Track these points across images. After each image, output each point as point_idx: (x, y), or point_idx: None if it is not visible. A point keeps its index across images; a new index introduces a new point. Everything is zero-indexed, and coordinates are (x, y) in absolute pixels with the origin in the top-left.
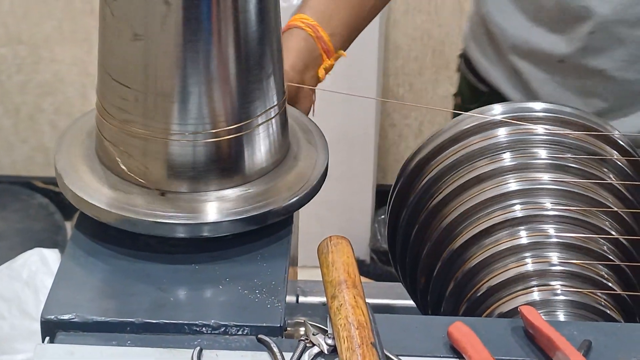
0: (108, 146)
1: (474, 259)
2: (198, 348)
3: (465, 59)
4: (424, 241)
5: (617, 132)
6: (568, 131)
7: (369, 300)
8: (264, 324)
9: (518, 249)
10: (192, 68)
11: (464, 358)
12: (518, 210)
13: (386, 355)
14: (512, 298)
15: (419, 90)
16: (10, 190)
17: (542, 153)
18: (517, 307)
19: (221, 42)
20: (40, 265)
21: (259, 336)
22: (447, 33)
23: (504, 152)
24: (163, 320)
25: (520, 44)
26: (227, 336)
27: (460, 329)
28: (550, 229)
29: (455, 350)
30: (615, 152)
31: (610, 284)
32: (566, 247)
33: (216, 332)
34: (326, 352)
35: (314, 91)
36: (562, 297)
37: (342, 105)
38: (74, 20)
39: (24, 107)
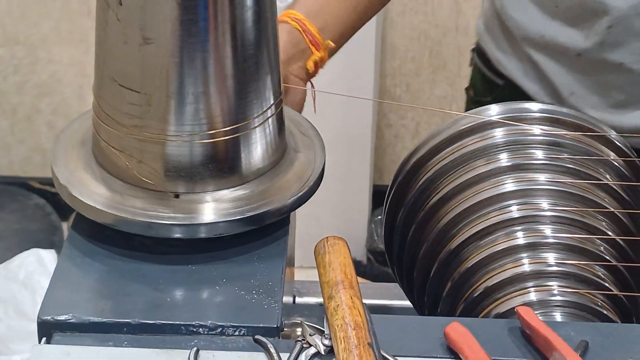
0: (105, 147)
1: (471, 260)
2: (195, 349)
3: (480, 53)
4: (420, 242)
5: (613, 133)
6: (565, 132)
7: (365, 301)
8: (261, 325)
9: (515, 250)
10: (203, 68)
11: (460, 359)
12: (515, 211)
13: (383, 355)
14: (509, 298)
15: (416, 90)
16: (7, 190)
17: (539, 154)
18: (514, 308)
19: (228, 41)
20: (37, 266)
21: (256, 337)
22: (444, 33)
23: (501, 153)
24: (160, 320)
25: (536, 38)
26: (224, 337)
27: (457, 330)
28: (547, 230)
29: (452, 351)
30: (611, 152)
31: (607, 285)
32: (563, 247)
33: (213, 332)
34: (323, 352)
35: (305, 84)
36: (559, 298)
37: (339, 106)
38: (71, 21)
39: (21, 107)
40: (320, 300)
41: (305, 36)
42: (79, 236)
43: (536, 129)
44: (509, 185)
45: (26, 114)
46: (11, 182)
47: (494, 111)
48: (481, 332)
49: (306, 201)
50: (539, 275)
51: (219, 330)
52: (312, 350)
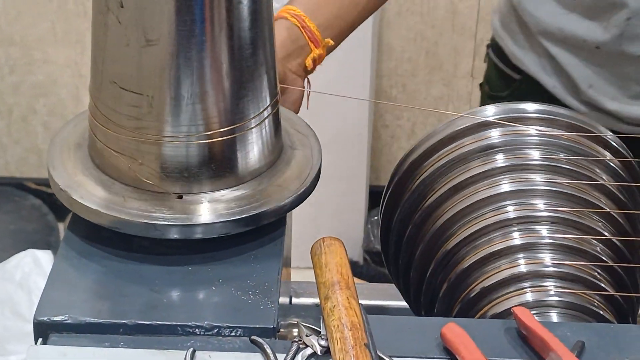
0: (102, 149)
1: (467, 260)
2: (191, 349)
3: (495, 49)
4: (417, 242)
5: (609, 134)
6: (561, 132)
7: (362, 302)
8: (257, 325)
9: (511, 250)
10: (206, 68)
11: (457, 359)
12: (511, 212)
13: (379, 356)
14: (506, 299)
15: (412, 91)
16: (3, 191)
17: (535, 154)
18: (510, 308)
19: (229, 40)
20: (33, 267)
21: (252, 337)
22: (441, 34)
23: (497, 153)
24: (156, 321)
25: (554, 31)
26: (220, 337)
27: (454, 330)
28: (543, 230)
29: (448, 352)
30: (607, 153)
31: (603, 285)
32: (559, 248)
33: (209, 333)
34: (319, 353)
35: (303, 81)
36: (555, 298)
37: (335, 107)
38: (67, 21)
39: (17, 108)
40: (317, 300)
41: (304, 33)
42: (75, 237)
43: (532, 130)
44: (505, 185)
45: (22, 115)
46: (7, 182)
47: (490, 112)
48: (477, 332)
49: (303, 202)
50: (535, 276)
51: (216, 330)
52: (309, 351)
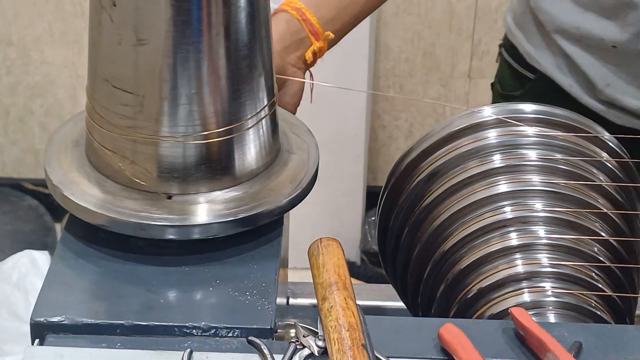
0: (98, 149)
1: (465, 261)
2: (188, 350)
3: (509, 48)
4: (414, 243)
5: (606, 134)
6: (558, 133)
7: (359, 302)
8: (255, 326)
9: (508, 251)
10: (197, 69)
11: None
12: (508, 212)
13: (377, 357)
14: (503, 299)
15: (409, 91)
16: (0, 192)
17: (532, 155)
18: (507, 309)
19: (222, 41)
20: (30, 267)
21: (250, 338)
22: (438, 34)
23: (495, 154)
24: (153, 322)
25: (570, 30)
26: (218, 338)
27: (451, 331)
28: (541, 231)
29: (445, 352)
30: (604, 153)
31: (600, 285)
32: (556, 248)
33: (206, 334)
34: (317, 354)
35: (303, 74)
36: (552, 299)
37: (333, 107)
38: (64, 22)
39: (14, 108)
40: (314, 301)
41: (304, 25)
42: (72, 237)
43: (530, 130)
44: (503, 186)
45: (19, 115)
46: (4, 183)
47: (488, 112)
48: (475, 333)
49: (300, 202)
50: (533, 276)
51: (213, 331)
52: (306, 351)
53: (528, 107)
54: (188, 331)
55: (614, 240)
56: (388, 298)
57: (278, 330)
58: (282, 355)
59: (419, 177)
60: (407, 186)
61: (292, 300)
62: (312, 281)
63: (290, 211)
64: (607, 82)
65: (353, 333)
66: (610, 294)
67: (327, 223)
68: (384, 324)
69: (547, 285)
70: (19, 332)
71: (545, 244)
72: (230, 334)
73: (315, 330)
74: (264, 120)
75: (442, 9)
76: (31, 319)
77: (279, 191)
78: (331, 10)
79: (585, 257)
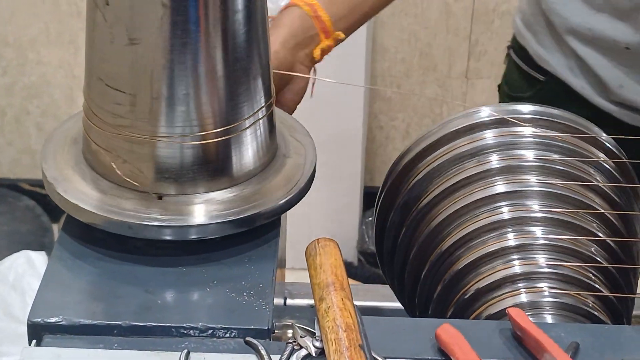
0: (96, 149)
1: (462, 261)
2: (185, 351)
3: (518, 50)
4: (411, 243)
5: (603, 135)
6: (555, 133)
7: (356, 303)
8: (252, 327)
9: (506, 251)
10: (187, 70)
11: None
12: (505, 213)
13: (374, 357)
14: (500, 300)
15: (406, 92)
16: None
17: (530, 155)
18: (505, 309)
19: (215, 44)
20: (27, 268)
21: (247, 339)
22: (434, 35)
23: (492, 154)
24: (150, 323)
25: (583, 31)
26: (215, 339)
27: (448, 331)
28: (538, 231)
29: (443, 353)
30: (601, 154)
31: (597, 286)
32: (554, 249)
33: (204, 334)
34: (314, 354)
35: (309, 71)
36: (549, 299)
37: (330, 107)
38: (61, 22)
39: (10, 109)
40: (311, 302)
41: (316, 22)
42: (69, 238)
43: (527, 131)
44: (500, 186)
45: (15, 116)
46: (1, 183)
47: (485, 113)
48: (472, 333)
49: (297, 203)
50: (530, 277)
51: (210, 332)
52: (303, 352)
53: (525, 108)
54: (185, 332)
55: (611, 240)
56: (385, 298)
57: (275, 331)
58: (279, 356)
59: (417, 177)
60: (405, 186)
61: (289, 301)
62: (309, 282)
63: (287, 212)
64: (620, 84)
65: (350, 334)
66: (607, 294)
67: (324, 223)
68: (381, 324)
69: (545, 285)
70: (16, 333)
71: (542, 245)
72: (227, 335)
73: (313, 330)
74: (261, 121)
75: (439, 9)
76: (28, 320)
77: (276, 192)
78: (343, 8)
79: (583, 258)
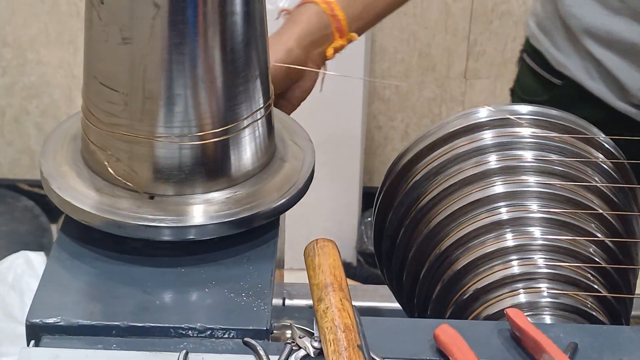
0: (94, 149)
1: (461, 262)
2: (184, 351)
3: (532, 53)
4: (410, 244)
5: (602, 135)
6: (554, 134)
7: (355, 303)
8: (250, 327)
9: (504, 252)
10: (180, 71)
11: None
12: (504, 213)
13: (372, 357)
14: (499, 300)
15: (405, 92)
16: None
17: (528, 155)
18: (503, 310)
19: (210, 45)
20: (26, 268)
21: (245, 339)
22: (434, 35)
23: (490, 155)
24: (149, 323)
25: (601, 34)
26: (213, 339)
27: (447, 332)
28: (537, 232)
29: (441, 353)
30: (600, 154)
31: (596, 286)
32: (552, 249)
33: (202, 335)
34: (312, 355)
35: (319, 69)
36: (548, 300)
37: (329, 107)
38: (60, 22)
39: (10, 109)
40: (310, 302)
41: (333, 21)
42: (68, 238)
43: (525, 131)
44: (498, 187)
45: (14, 116)
46: None
47: (484, 113)
48: (471, 334)
49: (295, 203)
50: (529, 277)
51: (208, 332)
52: (302, 352)
53: (524, 108)
54: (184, 332)
55: (610, 241)
56: (384, 299)
57: (274, 332)
58: (277, 357)
59: (415, 178)
60: (403, 187)
61: (288, 302)
62: (308, 282)
63: (286, 212)
64: (639, 86)
65: (349, 334)
66: (605, 294)
67: (323, 224)
68: (380, 324)
69: (543, 286)
70: (15, 333)
71: (541, 245)
72: (226, 335)
73: (311, 331)
74: (259, 122)
75: (438, 9)
76: (27, 320)
77: (275, 192)
78: (358, 7)
79: (581, 258)
